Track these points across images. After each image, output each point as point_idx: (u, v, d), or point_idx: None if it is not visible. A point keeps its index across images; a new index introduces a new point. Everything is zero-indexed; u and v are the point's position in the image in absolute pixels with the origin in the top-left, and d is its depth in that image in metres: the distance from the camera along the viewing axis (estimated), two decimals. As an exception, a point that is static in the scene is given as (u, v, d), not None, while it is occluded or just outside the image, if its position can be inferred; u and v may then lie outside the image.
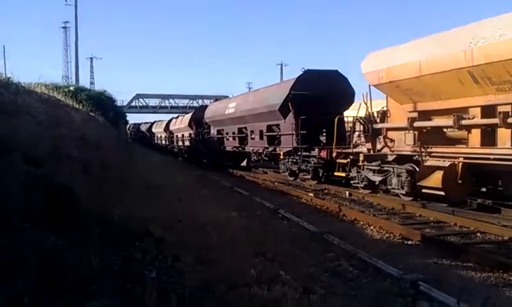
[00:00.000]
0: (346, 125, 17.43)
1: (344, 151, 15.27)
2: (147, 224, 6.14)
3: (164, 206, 8.69)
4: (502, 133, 9.65)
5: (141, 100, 72.59)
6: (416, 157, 11.94)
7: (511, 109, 9.40)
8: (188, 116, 34.28)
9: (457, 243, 8.23)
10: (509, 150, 9.30)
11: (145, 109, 72.48)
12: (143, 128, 58.32)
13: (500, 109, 9.56)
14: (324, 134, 18.33)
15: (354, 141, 15.48)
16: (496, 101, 9.73)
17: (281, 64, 78.74)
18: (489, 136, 10.10)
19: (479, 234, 8.85)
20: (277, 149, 19.68)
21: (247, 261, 5.58)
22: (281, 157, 19.30)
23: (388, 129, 13.34)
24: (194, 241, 6.05)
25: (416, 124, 11.88)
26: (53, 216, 4.85)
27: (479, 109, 10.22)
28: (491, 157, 9.84)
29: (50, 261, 3.77)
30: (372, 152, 13.84)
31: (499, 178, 10.69)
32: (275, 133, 19.94)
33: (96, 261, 4.18)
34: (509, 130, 9.43)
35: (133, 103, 71.24)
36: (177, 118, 39.60)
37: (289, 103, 17.70)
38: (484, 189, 11.35)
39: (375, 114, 14.00)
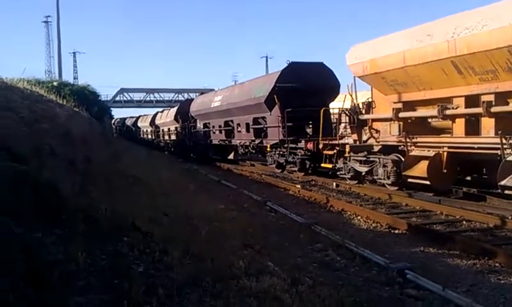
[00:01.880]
0: (332, 116, 17.50)
1: (330, 142, 15.35)
2: (134, 219, 6.10)
3: (150, 201, 8.65)
4: (486, 122, 9.76)
5: (125, 94, 71.74)
6: (402, 147, 12.04)
7: (494, 98, 9.52)
8: (174, 110, 34.06)
9: (443, 231, 8.33)
10: (493, 139, 9.42)
11: (130, 104, 71.66)
12: (129, 122, 57.78)
13: (484, 98, 9.68)
14: (311, 126, 18.37)
15: (340, 133, 15.56)
16: (479, 90, 9.84)
17: (266, 57, 78.85)
18: (473, 125, 10.23)
19: (464, 222, 8.96)
20: (264, 141, 19.69)
21: (235, 254, 5.58)
22: (268, 149, 19.33)
23: (373, 120, 13.42)
24: (181, 234, 6.02)
25: (401, 115, 11.97)
26: (39, 213, 4.79)
27: (462, 98, 10.33)
28: (475, 146, 9.97)
29: (36, 258, 3.72)
30: (358, 143, 13.93)
31: (483, 166, 10.85)
32: (261, 126, 19.93)
33: (83, 256, 4.14)
34: (493, 119, 9.55)
35: (117, 98, 70.37)
36: (163, 112, 39.30)
37: (275, 96, 17.70)
38: (469, 178, 11.50)
39: (360, 106, 14.07)
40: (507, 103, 9.48)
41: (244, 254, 5.68)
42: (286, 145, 17.65)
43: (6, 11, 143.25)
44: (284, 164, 18.58)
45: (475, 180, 11.37)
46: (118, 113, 64.79)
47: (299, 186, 14.52)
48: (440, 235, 7.98)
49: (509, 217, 8.65)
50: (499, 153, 9.16)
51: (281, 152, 18.49)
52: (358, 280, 5.72)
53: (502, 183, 8.82)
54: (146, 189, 10.61)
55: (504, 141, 9.04)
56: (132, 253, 4.75)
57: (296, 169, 17.70)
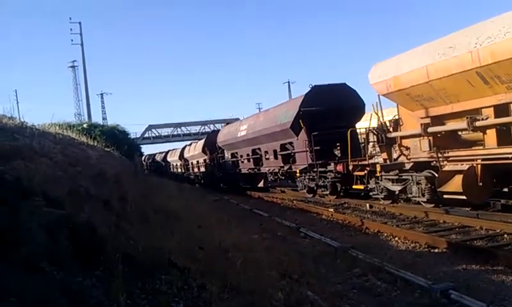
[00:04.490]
0: (359, 136, 17.38)
1: (360, 163, 15.19)
2: (170, 255, 6.13)
3: (185, 235, 8.67)
4: (518, 131, 9.53)
5: (153, 130, 73.39)
6: (434, 162, 11.82)
7: (525, 106, 9.30)
8: (201, 142, 34.47)
9: (484, 247, 8.09)
10: (528, 148, 9.16)
11: (158, 139, 73.19)
12: (158, 158, 58.73)
13: (513, 106, 9.47)
14: (339, 148, 18.28)
15: (369, 152, 15.40)
16: (508, 99, 9.65)
17: (289, 82, 78.79)
18: (505, 135, 9.99)
19: (506, 236, 8.70)
20: (293, 167, 19.66)
21: (273, 284, 5.53)
22: (298, 174, 19.28)
23: (402, 137, 13.25)
24: (218, 268, 6.01)
25: (430, 129, 11.79)
26: (78, 256, 4.87)
27: (491, 108, 10.13)
28: (510, 155, 9.70)
29: (78, 301, 3.77)
30: (388, 162, 13.74)
31: (520, 176, 10.52)
32: (289, 152, 19.93)
33: (123, 297, 4.17)
34: (525, 127, 9.31)
35: (146, 135, 72.03)
36: (190, 145, 39.82)
37: (300, 121, 17.74)
38: (506, 189, 11.17)
39: (387, 124, 13.94)
40: (539, 110, 9.25)
41: (282, 285, 5.62)
42: (315, 169, 17.57)
43: (32, 60, 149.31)
44: (315, 188, 18.47)
45: (514, 191, 11.03)
46: (147, 149, 66.11)
47: (331, 210, 14.38)
48: (481, 251, 7.75)
49: (553, 228, 8.34)
50: (536, 162, 8.89)
51: (311, 176, 18.40)
52: (400, 304, 5.58)
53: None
54: (180, 223, 10.66)
55: (540, 149, 8.79)
56: (171, 290, 4.76)
57: (327, 192, 17.56)
